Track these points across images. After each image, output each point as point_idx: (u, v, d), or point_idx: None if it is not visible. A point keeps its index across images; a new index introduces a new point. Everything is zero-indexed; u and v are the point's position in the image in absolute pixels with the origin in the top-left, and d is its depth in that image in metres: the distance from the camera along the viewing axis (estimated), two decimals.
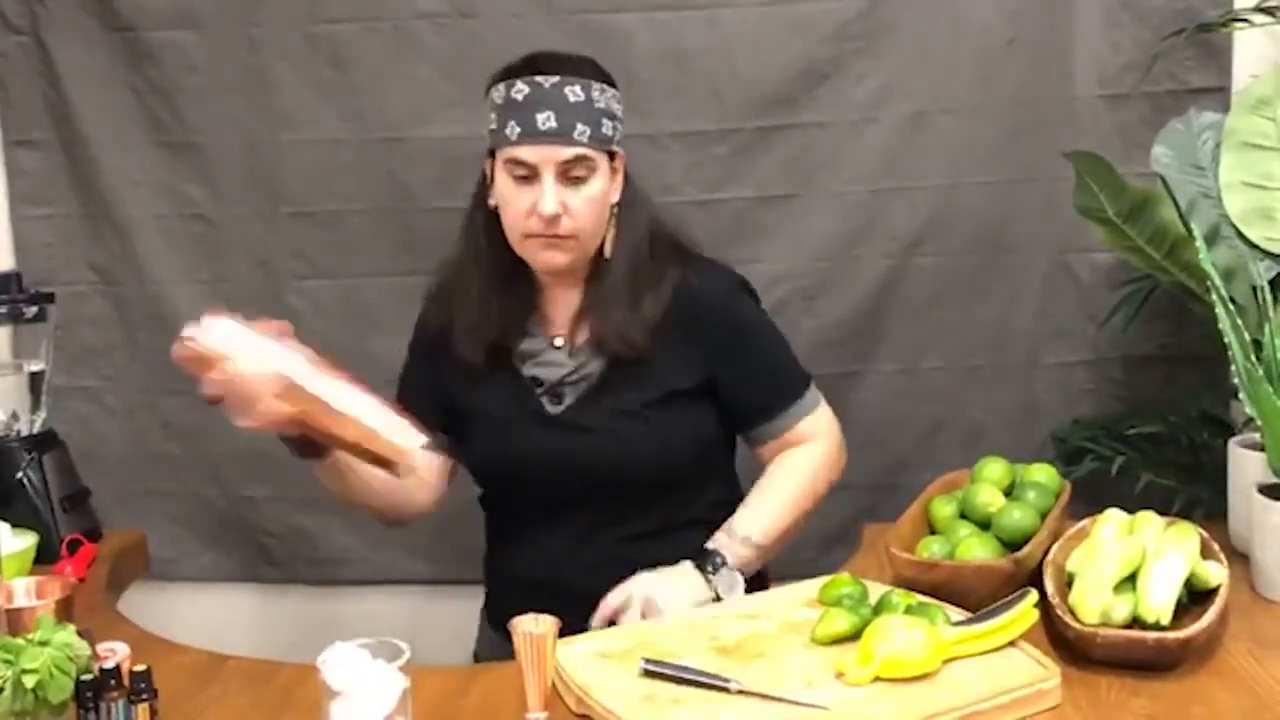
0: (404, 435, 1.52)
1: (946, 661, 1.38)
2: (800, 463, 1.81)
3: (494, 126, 1.71)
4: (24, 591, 1.61)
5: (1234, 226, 1.82)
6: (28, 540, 1.84)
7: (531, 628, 1.33)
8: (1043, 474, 1.78)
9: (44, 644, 1.32)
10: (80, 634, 1.37)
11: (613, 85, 1.74)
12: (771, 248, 2.35)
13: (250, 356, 1.48)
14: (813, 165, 2.32)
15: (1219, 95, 2.17)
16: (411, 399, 1.84)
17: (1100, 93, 2.23)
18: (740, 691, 1.34)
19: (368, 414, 1.51)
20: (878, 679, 1.34)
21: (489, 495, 1.88)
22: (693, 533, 1.75)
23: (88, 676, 1.33)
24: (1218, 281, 1.58)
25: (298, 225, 2.42)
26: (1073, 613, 1.45)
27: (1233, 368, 1.60)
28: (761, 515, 1.76)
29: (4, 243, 2.48)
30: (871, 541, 1.88)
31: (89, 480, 2.38)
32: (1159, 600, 1.44)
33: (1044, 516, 1.67)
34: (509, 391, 1.79)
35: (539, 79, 1.66)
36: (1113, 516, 1.60)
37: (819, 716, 1.29)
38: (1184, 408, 2.20)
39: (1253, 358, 1.57)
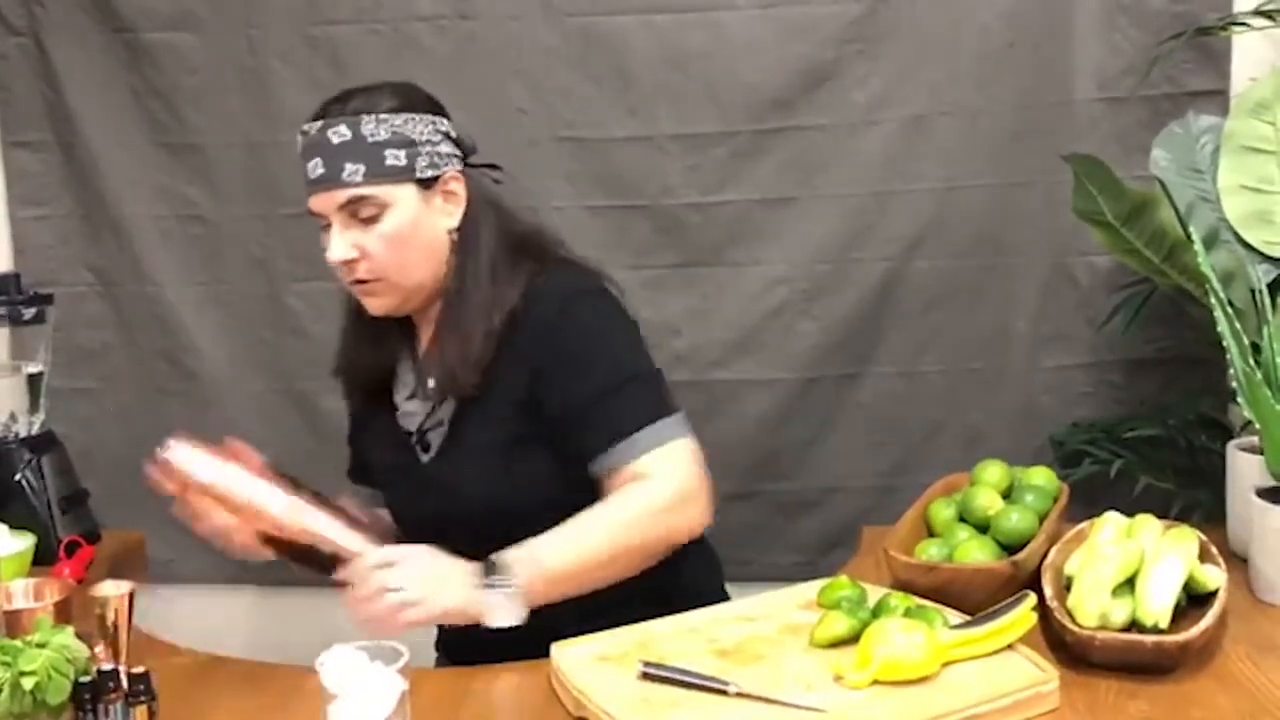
0: (357, 543, 1.56)
1: (945, 665, 1.37)
2: (631, 501, 1.55)
3: None
4: (22, 593, 1.62)
5: (1233, 230, 1.82)
6: (26, 542, 1.83)
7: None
8: (1041, 477, 1.77)
9: (42, 646, 1.32)
10: (78, 636, 1.37)
11: (417, 110, 1.62)
12: (771, 250, 2.35)
13: (227, 485, 1.57)
14: (812, 168, 2.32)
15: (1218, 99, 2.18)
16: (352, 453, 1.88)
17: (1099, 96, 2.24)
18: (739, 694, 1.34)
19: (324, 528, 1.57)
20: (876, 682, 1.34)
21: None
22: None
23: (86, 678, 1.34)
24: (1216, 285, 1.58)
25: (296, 226, 2.41)
26: (1071, 616, 1.45)
27: (1231, 371, 1.60)
28: (570, 544, 1.53)
29: (3, 244, 2.48)
30: (870, 544, 1.87)
31: (87, 481, 2.37)
32: (1158, 603, 1.43)
33: (1042, 519, 1.67)
34: (390, 443, 1.73)
35: (307, 126, 1.60)
36: (1111, 519, 1.60)
37: (817, 719, 1.29)
38: (1182, 411, 2.20)
39: (1251, 361, 1.57)
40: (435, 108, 1.67)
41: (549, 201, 2.32)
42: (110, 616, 1.41)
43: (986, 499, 1.71)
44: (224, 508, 1.57)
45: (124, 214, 2.45)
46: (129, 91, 2.42)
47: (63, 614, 1.58)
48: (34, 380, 2.09)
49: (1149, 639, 1.40)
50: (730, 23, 2.29)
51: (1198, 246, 1.62)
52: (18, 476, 1.98)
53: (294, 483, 1.60)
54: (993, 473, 1.77)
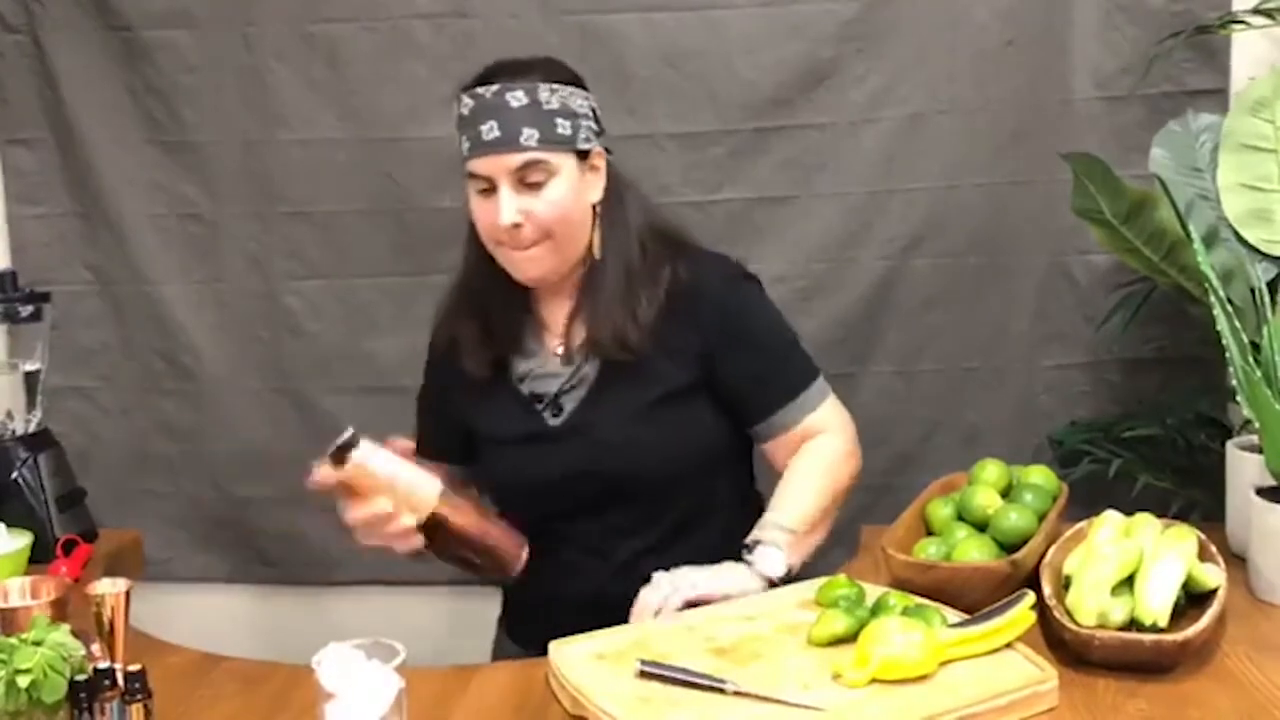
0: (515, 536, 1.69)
1: (943, 663, 1.37)
2: (819, 453, 1.76)
3: (457, 143, 1.69)
4: (18, 591, 1.61)
5: (1232, 228, 1.82)
6: (22, 540, 1.83)
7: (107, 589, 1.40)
8: (1040, 476, 1.77)
9: (38, 644, 1.31)
10: (74, 634, 1.36)
11: (575, 84, 1.69)
12: (769, 249, 2.34)
13: (405, 483, 1.57)
14: (810, 167, 2.32)
15: (1217, 97, 2.17)
16: (429, 422, 1.88)
17: (1098, 95, 2.23)
18: (736, 693, 1.33)
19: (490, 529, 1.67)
20: (874, 680, 1.34)
21: (503, 509, 1.83)
22: (710, 532, 1.74)
23: (82, 677, 1.33)
24: (1216, 283, 1.57)
25: (293, 225, 2.42)
26: (1070, 615, 1.45)
27: (1230, 370, 1.60)
28: (790, 503, 1.71)
29: (0, 242, 2.47)
30: (869, 543, 1.87)
31: (84, 480, 2.36)
32: (1156, 602, 1.43)
33: (1041, 518, 1.67)
34: (511, 411, 1.76)
35: (480, 90, 1.63)
36: (1110, 519, 1.59)
37: (815, 718, 1.29)
38: (1181, 410, 2.19)
39: (1250, 360, 1.57)
40: (586, 85, 1.72)
41: None
42: (106, 614, 1.40)
43: (985, 498, 1.70)
44: (393, 500, 1.56)
45: (121, 212, 2.45)
46: (126, 89, 2.41)
47: (59, 612, 1.58)
48: (31, 378, 2.08)
49: (1148, 638, 1.40)
50: (729, 21, 2.28)
51: (1197, 245, 1.61)
52: (14, 475, 1.97)
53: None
54: (991, 472, 1.77)
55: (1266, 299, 1.74)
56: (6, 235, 2.48)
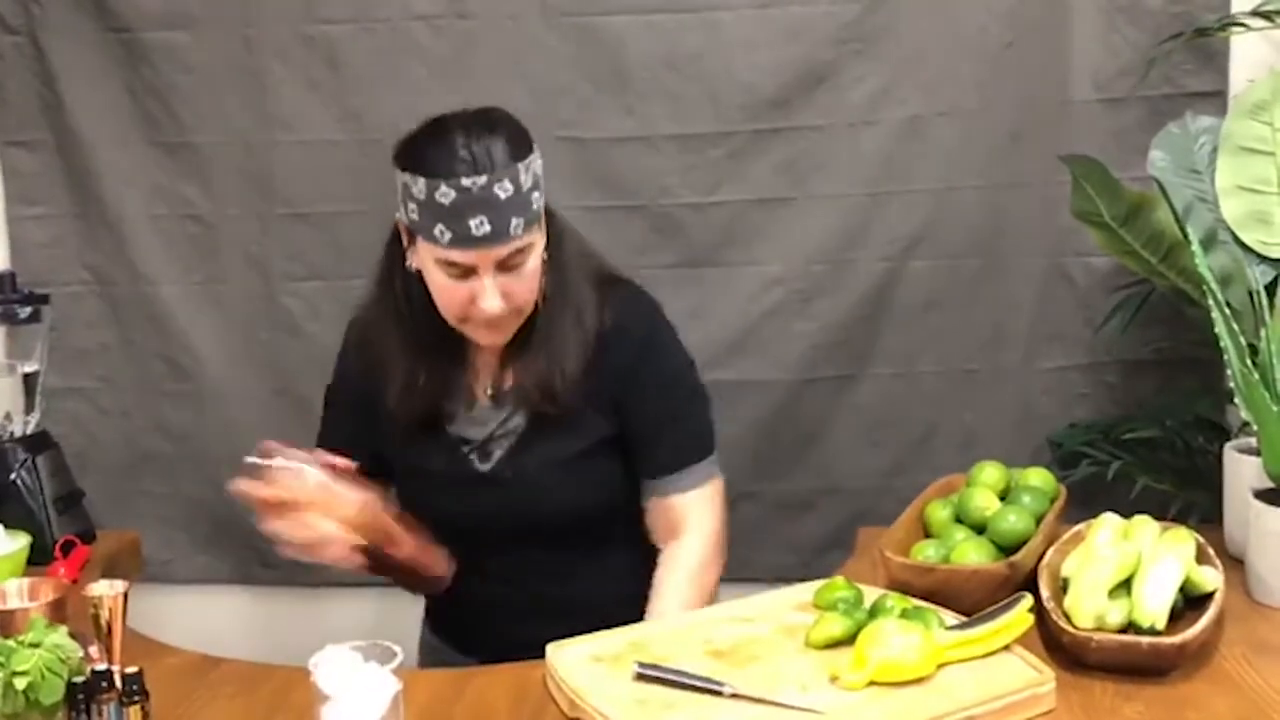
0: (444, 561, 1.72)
1: (941, 666, 1.37)
2: (683, 569, 1.71)
3: (415, 217, 1.59)
4: (16, 593, 1.62)
5: (1230, 231, 1.82)
6: (20, 542, 1.83)
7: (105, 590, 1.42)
8: (1038, 478, 1.77)
9: (35, 645, 1.31)
10: (72, 636, 1.36)
11: (530, 145, 1.62)
12: (767, 251, 2.34)
13: (334, 502, 1.59)
14: (809, 168, 2.32)
15: (1216, 100, 2.17)
16: (337, 427, 1.83)
17: (1097, 97, 2.23)
18: (734, 695, 1.34)
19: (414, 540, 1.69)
20: (872, 683, 1.34)
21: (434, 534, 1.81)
22: (612, 561, 1.77)
23: (80, 678, 1.33)
24: (1214, 285, 1.57)
25: (292, 226, 2.42)
26: (1067, 617, 1.45)
27: (1229, 372, 1.60)
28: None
29: None
30: (866, 545, 1.87)
31: (83, 481, 2.36)
32: (1154, 605, 1.43)
33: (1039, 521, 1.67)
34: (437, 449, 1.74)
35: (466, 183, 1.53)
36: (1108, 521, 1.59)
37: None
38: (1180, 412, 2.19)
39: (1248, 362, 1.57)
40: (530, 138, 1.65)
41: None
42: (104, 616, 1.41)
43: (983, 500, 1.71)
44: (318, 513, 1.58)
45: (120, 213, 2.44)
46: (125, 90, 2.41)
47: (57, 614, 1.58)
48: (29, 380, 2.08)
49: (1145, 640, 1.40)
50: (727, 23, 2.28)
51: (1195, 247, 1.61)
52: (13, 476, 1.97)
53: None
54: (990, 474, 1.77)
55: (1265, 302, 1.74)
56: (6, 236, 2.48)
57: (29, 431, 2.05)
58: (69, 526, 2.00)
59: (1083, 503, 1.87)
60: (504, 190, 1.55)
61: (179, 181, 2.43)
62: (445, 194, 1.54)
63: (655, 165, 2.33)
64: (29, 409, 2.08)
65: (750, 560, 2.40)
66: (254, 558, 2.53)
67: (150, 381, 2.50)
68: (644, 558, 1.75)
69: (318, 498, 1.57)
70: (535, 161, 1.61)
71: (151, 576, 2.48)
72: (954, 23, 2.24)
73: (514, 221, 1.56)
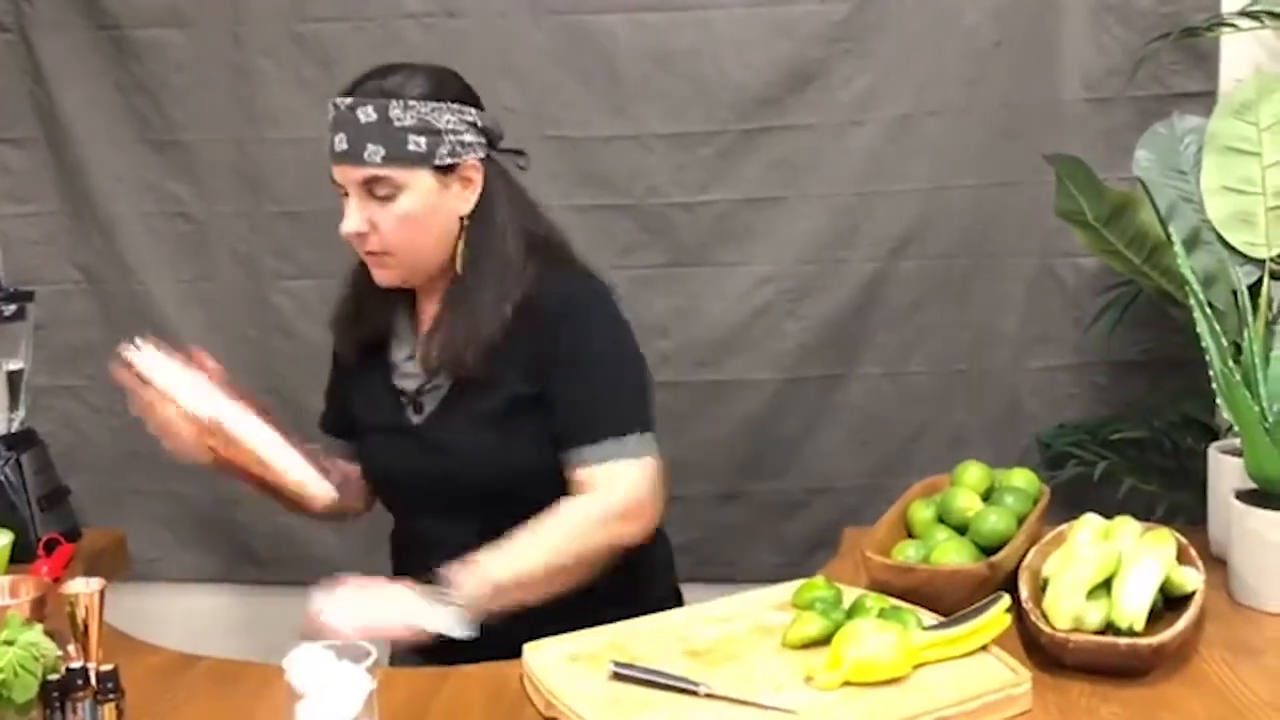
0: (310, 479, 1.67)
1: (917, 666, 1.37)
2: (570, 514, 1.63)
3: None
4: None
5: (1215, 231, 1.81)
6: (2, 539, 1.82)
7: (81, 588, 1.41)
8: (1022, 479, 1.76)
9: (10, 644, 1.31)
10: (49, 634, 1.36)
11: (446, 99, 1.65)
12: (757, 250, 2.34)
13: (181, 391, 1.63)
14: (799, 167, 2.32)
15: (1206, 100, 2.16)
16: (329, 400, 1.93)
17: (1086, 96, 2.23)
18: (708, 695, 1.33)
19: (280, 458, 1.65)
20: (847, 683, 1.34)
21: (380, 499, 1.88)
22: None
23: (54, 676, 1.33)
24: (1196, 286, 1.57)
25: (282, 224, 2.42)
26: (1045, 618, 1.44)
27: (1210, 373, 1.59)
28: (511, 556, 1.59)
29: None
30: (851, 545, 1.86)
31: (72, 479, 2.37)
32: (1132, 606, 1.43)
33: (1022, 521, 1.66)
34: (381, 400, 1.77)
35: (339, 100, 1.64)
36: (1089, 521, 1.59)
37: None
38: (1168, 413, 2.19)
39: (1230, 363, 1.57)
40: (466, 97, 1.70)
41: (535, 200, 2.31)
42: (80, 614, 1.40)
43: (965, 500, 1.70)
44: (179, 415, 1.63)
45: (110, 211, 2.44)
46: (116, 88, 2.41)
47: (39, 612, 1.58)
48: (14, 377, 2.09)
49: (1123, 641, 1.39)
50: (718, 21, 2.28)
51: (1177, 248, 1.61)
52: None
53: (263, 410, 1.68)
54: (973, 474, 1.76)
55: (1247, 302, 1.74)
56: None
57: (13, 429, 2.06)
58: (53, 524, 2.00)
59: (1070, 504, 1.86)
60: (365, 115, 1.61)
61: (169, 179, 2.44)
62: (329, 111, 1.66)
63: (645, 164, 2.33)
64: (13, 406, 2.08)
65: (739, 561, 2.41)
66: (242, 556, 2.54)
67: None
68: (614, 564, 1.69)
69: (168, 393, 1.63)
70: (439, 109, 1.64)
71: (139, 574, 2.48)
72: (943, 22, 2.24)
73: (370, 148, 1.61)
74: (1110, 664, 1.40)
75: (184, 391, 1.63)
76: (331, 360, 1.92)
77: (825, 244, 2.33)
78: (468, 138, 1.67)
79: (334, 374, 1.92)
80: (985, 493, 1.74)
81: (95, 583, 1.43)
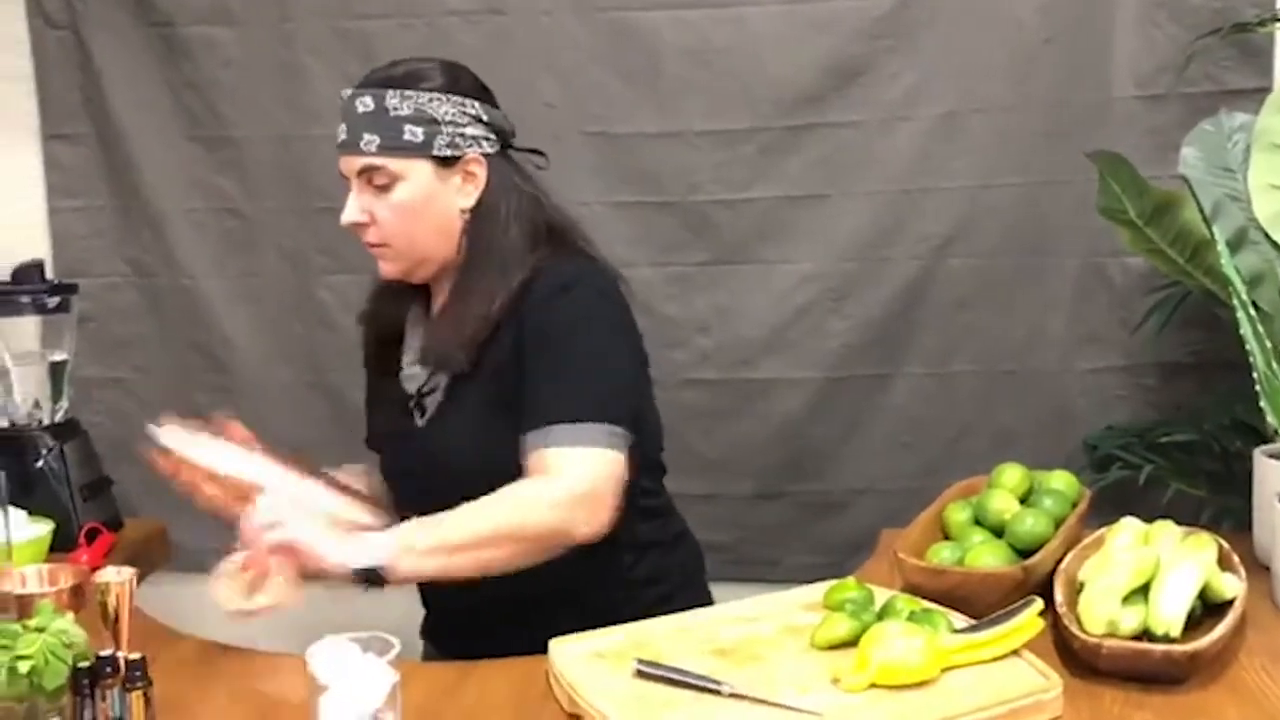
0: (363, 516, 1.65)
1: (946, 669, 1.35)
2: (514, 491, 1.55)
3: None
4: (35, 578, 1.64)
5: (1262, 230, 1.77)
6: (44, 528, 1.85)
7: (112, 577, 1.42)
8: (1061, 481, 1.74)
9: (40, 630, 1.32)
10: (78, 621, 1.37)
11: (448, 91, 1.65)
12: (800, 248, 2.33)
13: (219, 462, 1.64)
14: (842, 165, 2.30)
15: (1258, 97, 2.09)
16: (367, 420, 1.89)
17: (1136, 93, 2.19)
18: (732, 695, 1.32)
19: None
20: (874, 685, 1.32)
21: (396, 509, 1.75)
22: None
23: (84, 664, 1.34)
24: (1239, 286, 1.54)
25: (327, 220, 2.40)
26: (1079, 622, 1.42)
27: (1254, 375, 1.56)
28: (438, 521, 1.54)
29: (41, 235, 2.51)
30: (887, 546, 1.84)
31: (120, 470, 2.40)
32: (1169, 612, 1.40)
33: (1059, 524, 1.63)
34: (391, 406, 1.77)
35: (345, 92, 1.66)
36: (1127, 525, 1.56)
37: None
38: (1217, 415, 2.14)
39: (1275, 365, 1.53)
40: (473, 92, 1.69)
41: (576, 197, 2.29)
42: (111, 603, 1.42)
43: (1002, 502, 1.68)
44: (224, 487, 1.64)
45: (159, 206, 2.48)
46: (165, 85, 2.44)
47: (76, 600, 1.60)
48: (57, 368, 2.11)
49: (1158, 648, 1.36)
50: (760, 18, 2.27)
51: (1221, 246, 1.57)
52: (40, 463, 2.00)
53: (299, 461, 1.68)
54: (1011, 476, 1.74)
55: None
56: (47, 228, 2.52)
57: (57, 420, 2.08)
58: (95, 514, 2.02)
59: (1115, 507, 1.82)
60: (363, 105, 1.63)
61: (216, 175, 2.46)
62: (338, 105, 1.68)
63: (687, 161, 2.32)
64: (57, 397, 2.11)
65: (779, 561, 2.40)
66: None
67: (186, 372, 2.53)
68: (595, 557, 1.61)
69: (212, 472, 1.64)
70: (438, 100, 1.64)
71: (186, 565, 2.50)
72: (990, 17, 2.22)
73: (366, 137, 1.63)
74: (1145, 671, 1.37)
75: (222, 462, 1.63)
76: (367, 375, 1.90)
77: (869, 242, 2.31)
78: (470, 130, 1.66)
79: (367, 389, 1.89)
80: (1024, 495, 1.72)
81: (126, 572, 1.45)
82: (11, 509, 1.65)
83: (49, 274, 2.18)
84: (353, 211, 1.66)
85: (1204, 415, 2.16)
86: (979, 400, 2.33)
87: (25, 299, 2.06)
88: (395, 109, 1.63)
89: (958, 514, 1.72)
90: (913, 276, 2.31)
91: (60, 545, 1.88)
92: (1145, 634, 1.40)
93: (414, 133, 1.63)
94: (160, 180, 2.47)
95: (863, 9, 2.24)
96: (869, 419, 2.37)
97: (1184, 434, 2.14)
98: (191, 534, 2.51)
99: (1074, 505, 1.69)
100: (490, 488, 1.57)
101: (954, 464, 2.29)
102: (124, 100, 2.45)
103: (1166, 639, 1.38)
